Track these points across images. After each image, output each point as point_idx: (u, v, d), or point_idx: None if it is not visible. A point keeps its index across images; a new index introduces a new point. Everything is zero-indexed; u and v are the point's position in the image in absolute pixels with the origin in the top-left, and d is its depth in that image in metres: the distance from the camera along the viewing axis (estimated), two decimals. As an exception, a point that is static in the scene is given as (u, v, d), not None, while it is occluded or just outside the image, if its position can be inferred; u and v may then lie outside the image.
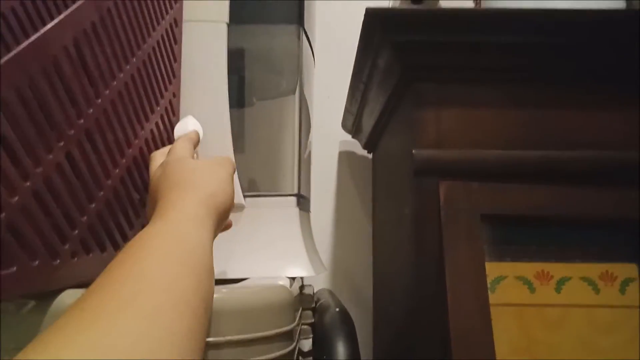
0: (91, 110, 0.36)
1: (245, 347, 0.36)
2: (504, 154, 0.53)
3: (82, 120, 0.35)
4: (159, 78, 0.48)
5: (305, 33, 0.61)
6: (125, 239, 0.41)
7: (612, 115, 0.53)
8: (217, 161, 0.42)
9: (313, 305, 0.56)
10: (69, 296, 0.35)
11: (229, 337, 0.36)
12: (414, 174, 0.53)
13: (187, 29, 0.55)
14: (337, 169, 0.94)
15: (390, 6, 0.64)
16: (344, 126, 0.89)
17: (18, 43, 0.30)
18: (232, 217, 0.46)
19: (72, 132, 0.34)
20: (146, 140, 0.45)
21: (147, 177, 0.45)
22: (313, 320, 0.54)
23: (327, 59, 0.91)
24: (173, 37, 0.52)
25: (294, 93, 0.67)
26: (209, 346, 0.35)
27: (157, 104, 0.48)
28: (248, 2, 0.58)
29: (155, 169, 0.42)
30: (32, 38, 0.28)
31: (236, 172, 0.57)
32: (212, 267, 0.33)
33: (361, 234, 0.90)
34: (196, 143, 0.47)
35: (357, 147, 0.93)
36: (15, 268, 0.28)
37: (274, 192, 0.57)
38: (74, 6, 0.34)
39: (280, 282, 0.41)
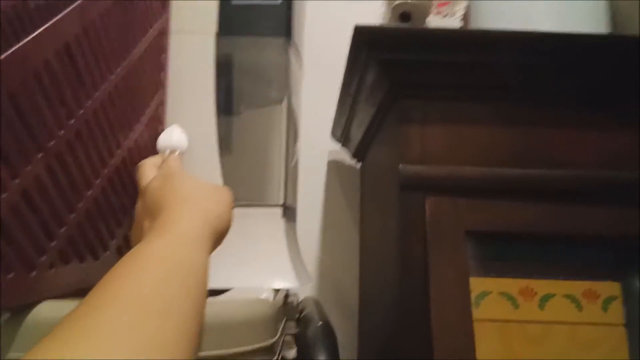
0: (72, 122, 0.36)
1: (225, 362, 0.36)
2: (488, 171, 0.53)
3: (62, 132, 0.35)
4: (145, 88, 0.48)
5: (294, 45, 0.61)
6: (106, 249, 0.41)
7: (597, 134, 0.53)
8: (219, 187, 0.42)
9: (297, 315, 0.55)
10: (45, 308, 0.35)
11: (208, 352, 0.36)
12: (400, 189, 0.53)
13: (176, 39, 0.55)
14: (326, 178, 0.94)
15: (378, 24, 0.64)
16: (333, 135, 0.90)
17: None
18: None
19: (53, 143, 0.34)
20: (129, 150, 0.45)
21: (129, 187, 0.44)
22: (297, 331, 0.53)
23: (317, 68, 0.91)
24: (160, 47, 0.52)
25: (281, 103, 0.67)
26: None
27: (143, 113, 0.48)
28: (237, 14, 0.58)
29: (151, 178, 0.41)
30: (9, 52, 0.28)
31: (221, 182, 0.57)
32: (207, 290, 0.33)
33: (348, 243, 0.89)
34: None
35: (345, 157, 0.94)
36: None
37: (260, 202, 0.57)
38: (55, 19, 0.34)
39: (263, 295, 0.40)
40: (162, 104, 0.52)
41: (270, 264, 0.50)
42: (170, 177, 0.40)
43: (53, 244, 0.34)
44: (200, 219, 0.35)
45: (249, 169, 0.67)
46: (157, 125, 0.50)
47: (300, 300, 0.62)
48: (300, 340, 0.53)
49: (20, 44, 0.30)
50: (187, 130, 0.52)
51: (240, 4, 0.58)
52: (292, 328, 0.54)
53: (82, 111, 0.37)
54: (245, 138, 0.70)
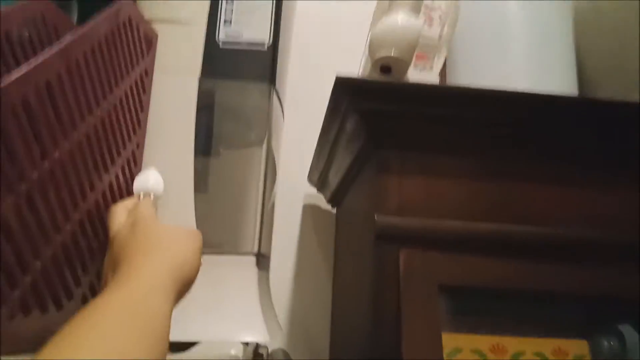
0: (45, 164, 0.35)
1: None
2: (464, 225, 0.54)
3: (35, 174, 0.33)
4: (123, 128, 0.47)
5: (276, 91, 0.62)
6: (71, 297, 0.39)
7: (572, 192, 0.55)
8: (189, 232, 0.41)
9: (266, 368, 0.54)
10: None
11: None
12: (375, 240, 0.53)
13: (158, 79, 0.55)
14: (301, 222, 0.94)
15: (360, 74, 0.66)
16: (309, 179, 0.90)
17: None
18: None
19: (23, 187, 0.32)
20: (103, 193, 0.44)
21: (100, 231, 0.43)
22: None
23: (298, 110, 0.92)
24: (142, 87, 0.51)
25: (261, 145, 0.67)
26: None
27: (119, 154, 0.47)
28: (223, 57, 0.59)
29: (120, 224, 0.40)
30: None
31: (195, 226, 0.56)
32: (168, 340, 0.32)
33: (321, 290, 0.88)
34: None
35: (321, 201, 0.93)
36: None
37: (234, 249, 0.56)
38: (40, 59, 0.33)
39: (232, 351, 0.39)
40: (139, 145, 0.51)
41: (241, 315, 0.49)
42: (137, 223, 0.39)
43: (16, 292, 0.32)
44: (164, 268, 0.35)
45: (225, 212, 0.66)
46: (133, 167, 0.49)
47: (269, 352, 0.60)
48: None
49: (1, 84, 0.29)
50: (163, 170, 0.52)
51: (227, 48, 0.59)
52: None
53: (57, 152, 0.36)
54: (223, 179, 0.69)
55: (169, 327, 0.32)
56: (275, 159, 0.76)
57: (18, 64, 0.42)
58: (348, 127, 0.58)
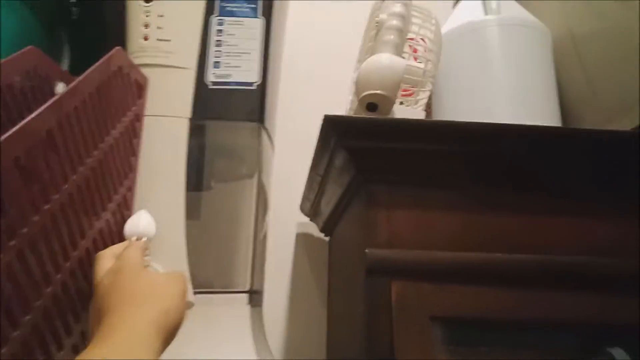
0: (36, 218, 0.35)
1: None
2: (454, 256, 0.54)
3: (25, 229, 0.34)
4: (115, 174, 0.48)
5: (266, 129, 0.63)
6: (61, 348, 0.39)
7: (558, 221, 0.55)
8: (172, 276, 0.42)
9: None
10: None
11: None
12: (366, 273, 0.53)
13: (149, 122, 0.56)
14: (294, 251, 0.94)
15: (348, 110, 0.67)
16: (302, 209, 0.90)
17: None
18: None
19: (14, 242, 0.33)
20: (94, 240, 0.44)
21: (92, 279, 0.43)
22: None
23: (288, 143, 0.94)
24: (134, 132, 0.52)
25: (252, 178, 0.68)
26: None
27: (111, 200, 0.47)
28: (212, 97, 0.60)
29: (103, 273, 0.41)
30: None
31: (187, 265, 0.56)
32: None
33: (316, 319, 0.88)
34: (144, 250, 0.47)
35: (314, 230, 0.94)
36: None
37: (226, 286, 0.56)
38: (30, 117, 0.34)
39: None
40: (131, 188, 0.52)
41: (234, 355, 0.49)
42: (120, 271, 0.40)
43: (4, 349, 0.32)
44: (147, 318, 0.35)
45: (217, 244, 0.66)
46: (125, 210, 0.50)
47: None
48: None
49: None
50: (155, 210, 0.52)
51: (216, 88, 0.60)
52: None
53: (48, 205, 0.37)
54: (214, 213, 0.70)
55: None
56: (267, 191, 0.77)
57: (11, 116, 0.43)
58: (337, 162, 0.59)
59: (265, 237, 0.77)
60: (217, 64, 0.60)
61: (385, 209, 0.55)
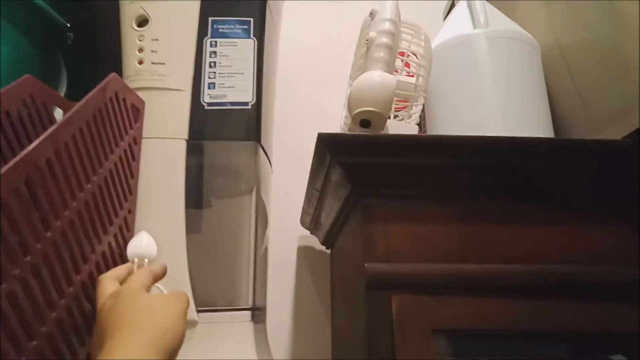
0: (39, 246, 0.36)
1: None
2: (453, 268, 0.54)
3: (28, 258, 0.35)
4: (115, 198, 0.49)
5: (262, 147, 0.64)
6: (67, 372, 0.40)
7: (554, 230, 0.56)
8: (171, 297, 0.42)
9: None
10: None
11: None
12: (366, 288, 0.54)
13: (147, 144, 0.57)
14: (296, 264, 0.94)
15: (341, 127, 0.69)
16: (302, 222, 0.91)
17: None
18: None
19: (17, 271, 0.34)
20: (97, 263, 0.45)
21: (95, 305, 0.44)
22: None
23: (286, 159, 0.95)
24: (132, 155, 0.53)
25: (250, 194, 0.68)
26: None
27: (111, 223, 0.48)
28: (209, 118, 0.61)
29: (105, 297, 0.41)
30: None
31: (190, 284, 0.57)
32: None
33: (320, 333, 0.88)
34: (158, 277, 0.47)
35: (315, 242, 0.95)
36: None
37: (229, 303, 0.57)
38: (30, 147, 0.35)
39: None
40: (131, 211, 0.53)
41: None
42: (120, 295, 0.40)
43: (11, 377, 0.33)
44: (142, 344, 0.36)
45: (218, 261, 0.67)
46: (125, 233, 0.51)
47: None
48: None
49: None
50: (155, 231, 0.53)
51: (212, 109, 0.61)
52: None
53: (49, 233, 0.38)
54: (214, 229, 0.71)
55: None
56: (266, 206, 0.78)
57: (10, 145, 0.44)
58: (333, 178, 0.60)
59: (266, 251, 0.78)
60: (211, 85, 0.61)
61: (382, 223, 0.56)
